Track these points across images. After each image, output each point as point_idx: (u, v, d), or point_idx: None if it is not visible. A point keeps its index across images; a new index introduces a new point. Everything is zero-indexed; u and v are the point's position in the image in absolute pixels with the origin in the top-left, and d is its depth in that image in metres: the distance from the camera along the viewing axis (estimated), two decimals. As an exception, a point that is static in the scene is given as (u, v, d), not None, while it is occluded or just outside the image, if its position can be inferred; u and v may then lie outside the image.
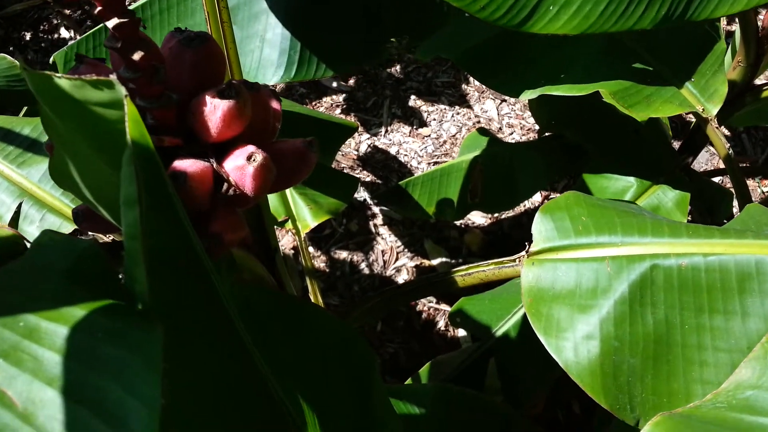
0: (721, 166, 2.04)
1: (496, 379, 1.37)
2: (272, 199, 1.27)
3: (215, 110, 0.56)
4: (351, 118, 2.33)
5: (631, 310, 0.68)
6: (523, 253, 0.76)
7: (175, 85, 0.59)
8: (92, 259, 0.39)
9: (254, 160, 0.58)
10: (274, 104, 0.68)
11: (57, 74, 0.37)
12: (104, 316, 0.36)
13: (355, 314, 0.89)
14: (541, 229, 0.76)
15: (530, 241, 0.78)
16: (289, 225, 1.26)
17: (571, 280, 0.71)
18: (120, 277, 0.42)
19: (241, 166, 0.58)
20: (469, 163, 1.78)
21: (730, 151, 1.18)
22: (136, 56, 0.52)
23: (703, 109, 1.16)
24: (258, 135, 0.64)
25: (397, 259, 2.05)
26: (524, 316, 1.30)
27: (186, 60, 0.59)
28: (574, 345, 0.68)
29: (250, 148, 0.58)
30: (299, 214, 1.27)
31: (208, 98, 0.56)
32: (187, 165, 0.56)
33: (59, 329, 0.34)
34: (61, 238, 0.41)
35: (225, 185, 0.59)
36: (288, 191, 1.29)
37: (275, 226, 1.29)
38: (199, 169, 0.56)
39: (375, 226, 2.12)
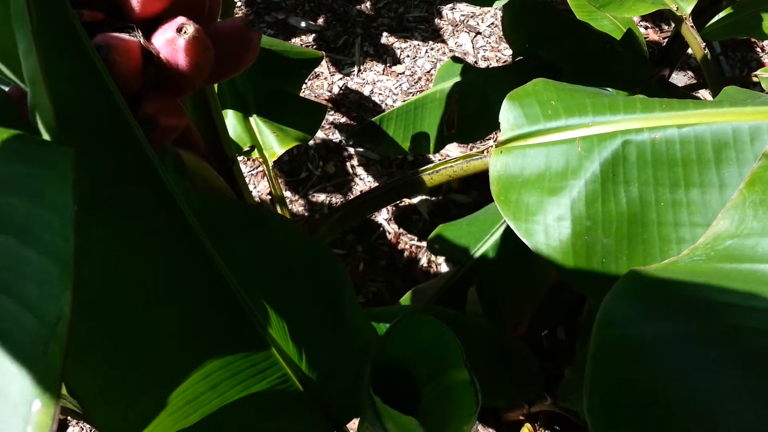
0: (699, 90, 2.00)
1: (477, 304, 1.35)
2: (235, 127, 1.22)
3: (135, -26, 0.51)
4: (322, 61, 2.25)
5: (603, 189, 0.65)
6: (491, 143, 0.72)
7: (92, -47, 0.53)
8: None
9: (185, 32, 0.53)
10: (211, -14, 0.62)
11: None
12: (4, 141, 0.31)
13: (325, 227, 0.85)
14: (508, 117, 0.72)
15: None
16: (255, 154, 1.21)
17: (541, 164, 0.67)
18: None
19: (170, 39, 0.53)
20: (446, 93, 1.73)
21: (706, 51, 1.14)
22: None
23: (677, 8, 1.12)
24: (192, 16, 0.58)
25: (376, 199, 2.01)
26: (502, 236, 1.28)
27: (101, -77, 0.53)
28: (544, 228, 0.64)
29: (180, 20, 0.53)
30: (265, 141, 1.22)
31: (126, -38, 0.51)
32: (110, 37, 0.50)
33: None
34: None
35: (156, 62, 0.53)
36: (252, 120, 1.24)
37: (241, 155, 1.24)
38: (123, 42, 0.51)
39: (352, 167, 2.07)
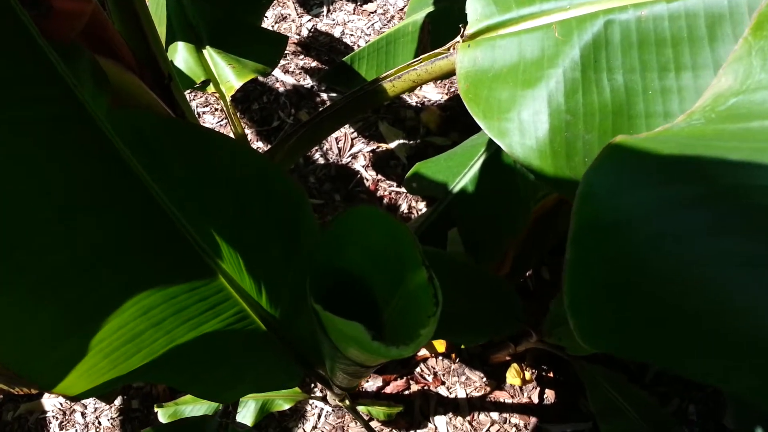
0: None
1: (459, 244, 1.29)
2: (187, 60, 1.11)
3: None
4: (288, 1, 2.12)
5: (584, 78, 0.57)
6: (458, 38, 0.64)
7: None
8: None
9: None
10: None
11: None
12: None
13: (283, 150, 0.77)
14: (476, 6, 0.63)
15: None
16: (211, 88, 1.12)
17: (513, 54, 0.59)
18: None
19: None
20: (419, 25, 1.62)
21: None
22: None
23: None
24: None
25: (352, 146, 1.93)
26: (480, 168, 1.20)
27: None
28: (518, 125, 0.57)
29: None
30: (221, 75, 1.12)
31: None
32: None
33: None
34: None
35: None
36: (206, 52, 1.14)
37: (194, 90, 1.14)
38: None
39: (325, 113, 1.97)
